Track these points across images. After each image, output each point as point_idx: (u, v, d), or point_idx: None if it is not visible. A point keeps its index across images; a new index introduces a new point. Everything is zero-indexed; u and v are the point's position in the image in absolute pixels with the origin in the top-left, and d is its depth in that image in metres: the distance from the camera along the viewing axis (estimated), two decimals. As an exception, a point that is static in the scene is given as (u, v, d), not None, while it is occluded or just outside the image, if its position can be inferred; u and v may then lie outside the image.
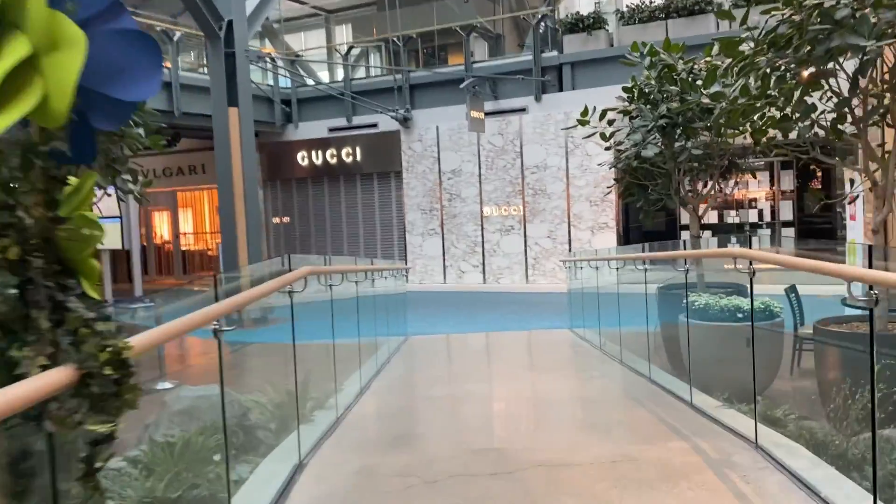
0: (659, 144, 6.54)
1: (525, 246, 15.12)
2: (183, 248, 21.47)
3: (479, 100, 14.76)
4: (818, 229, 14.01)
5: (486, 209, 15.51)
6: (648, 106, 6.73)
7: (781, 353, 5.91)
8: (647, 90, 6.84)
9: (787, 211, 13.24)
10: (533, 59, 14.92)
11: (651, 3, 14.06)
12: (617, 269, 6.71)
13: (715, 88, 4.95)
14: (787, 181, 13.02)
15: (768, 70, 4.60)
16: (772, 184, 13.27)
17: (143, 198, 6.73)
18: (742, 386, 5.44)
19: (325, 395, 4.88)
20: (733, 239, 14.56)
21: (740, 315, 5.68)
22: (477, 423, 4.69)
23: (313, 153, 17.53)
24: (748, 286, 6.64)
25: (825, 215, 14.88)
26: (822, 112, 4.53)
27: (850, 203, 4.78)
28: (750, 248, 3.47)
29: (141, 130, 5.96)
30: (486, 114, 14.84)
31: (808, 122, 4.43)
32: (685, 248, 6.39)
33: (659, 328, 6.94)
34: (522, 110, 15.11)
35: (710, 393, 4.84)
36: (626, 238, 14.43)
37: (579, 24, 14.61)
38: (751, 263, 3.40)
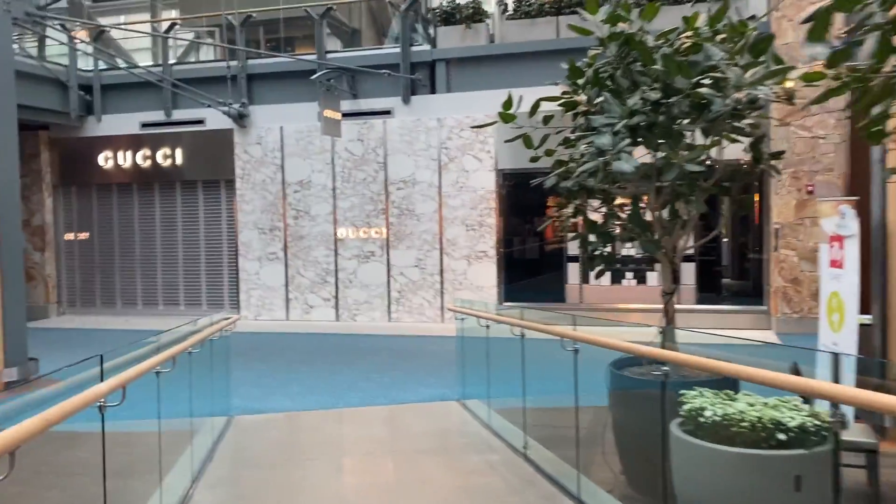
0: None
1: (388, 276, 12.51)
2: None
3: (334, 97, 12.03)
4: (706, 261, 12.84)
5: (342, 231, 12.74)
6: (609, 94, 4.44)
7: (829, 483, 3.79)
8: (604, 73, 4.57)
9: (687, 242, 11.72)
10: (401, 53, 12.43)
11: (541, -5, 12.11)
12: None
13: (819, 48, 2.67)
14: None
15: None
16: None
17: None
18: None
19: None
20: (629, 275, 13.01)
21: (782, 437, 3.46)
22: None
23: (120, 154, 13.84)
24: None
25: (712, 246, 13.83)
26: None
27: None
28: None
29: None
30: (344, 115, 12.13)
31: None
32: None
33: (610, 419, 4.64)
34: (387, 113, 12.54)
35: None
36: (507, 269, 12.26)
37: (456, 16, 12.34)
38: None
